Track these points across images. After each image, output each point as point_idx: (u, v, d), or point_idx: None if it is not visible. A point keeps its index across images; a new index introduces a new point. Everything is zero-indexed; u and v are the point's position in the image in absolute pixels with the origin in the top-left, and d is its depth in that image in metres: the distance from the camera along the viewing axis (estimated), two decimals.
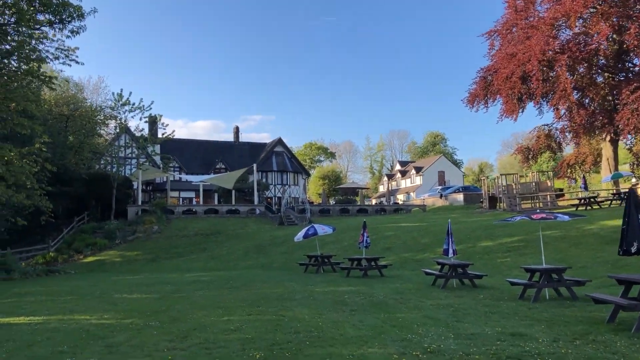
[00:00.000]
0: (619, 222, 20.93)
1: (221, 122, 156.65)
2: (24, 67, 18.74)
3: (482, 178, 43.94)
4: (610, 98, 32.91)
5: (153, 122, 40.91)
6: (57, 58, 19.52)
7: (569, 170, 41.40)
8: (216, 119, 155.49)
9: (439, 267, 15.63)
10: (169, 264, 27.39)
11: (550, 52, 30.60)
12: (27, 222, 23.14)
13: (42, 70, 20.12)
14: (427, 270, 15.73)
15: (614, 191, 30.90)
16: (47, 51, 19.24)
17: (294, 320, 9.33)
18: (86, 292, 15.51)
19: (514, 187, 36.22)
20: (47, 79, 19.38)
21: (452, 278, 14.38)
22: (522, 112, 36.66)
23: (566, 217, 10.87)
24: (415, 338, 7.38)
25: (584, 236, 20.12)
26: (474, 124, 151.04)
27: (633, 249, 7.51)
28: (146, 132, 38.92)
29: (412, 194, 69.75)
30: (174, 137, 42.79)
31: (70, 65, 19.90)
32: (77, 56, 19.91)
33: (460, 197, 47.68)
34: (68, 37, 18.53)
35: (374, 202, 65.10)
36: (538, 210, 13.32)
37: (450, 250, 15.13)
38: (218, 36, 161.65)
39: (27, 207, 21.67)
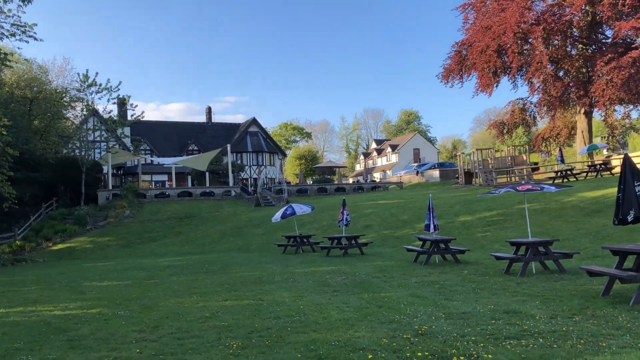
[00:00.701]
0: (597, 193, 21.14)
1: (195, 105, 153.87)
2: None
3: (457, 154, 43.86)
4: (584, 70, 32.87)
5: (122, 103, 39.45)
6: (13, 35, 18.28)
7: (543, 144, 41.57)
8: (190, 101, 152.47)
9: (421, 243, 15.29)
10: (142, 248, 26.56)
11: (526, 24, 30.28)
12: None
13: None
14: (409, 247, 15.37)
15: (589, 163, 31.03)
16: (1, 27, 18.00)
17: (273, 305, 8.80)
18: (53, 281, 14.72)
19: (489, 162, 36.18)
20: (1, 56, 18.13)
21: (434, 254, 14.05)
22: (497, 87, 36.49)
23: (552, 188, 10.53)
24: (404, 319, 6.91)
25: (564, 208, 20.02)
26: (447, 102, 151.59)
27: (630, 218, 7.13)
28: (115, 114, 37.47)
29: (388, 171, 69.60)
30: (145, 119, 41.43)
31: (27, 42, 18.71)
32: (35, 32, 18.70)
33: (436, 173, 47.65)
34: (19, 6, 17.22)
35: (351, 180, 64.72)
36: (523, 182, 12.98)
37: (432, 226, 14.76)
38: (190, 15, 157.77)
39: None
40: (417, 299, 8.57)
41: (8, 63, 19.46)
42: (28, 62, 39.52)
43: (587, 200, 20.43)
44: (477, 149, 38.29)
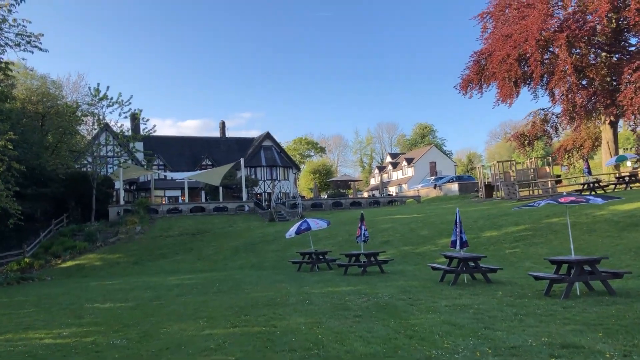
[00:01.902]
0: (631, 206, 19.75)
1: (211, 121, 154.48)
2: None
3: (477, 167, 42.64)
4: (608, 79, 31.61)
5: (134, 118, 39.01)
6: (17, 45, 17.70)
7: (566, 156, 40.17)
8: (206, 117, 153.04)
9: (447, 260, 14.16)
10: (152, 266, 25.66)
11: (548, 31, 29.19)
12: None
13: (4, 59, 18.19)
14: (435, 265, 14.20)
15: (617, 175, 29.64)
16: (7, 37, 17.43)
17: (287, 333, 7.76)
18: (53, 303, 13.81)
19: (511, 174, 34.91)
20: (1, 65, 17.53)
21: (463, 273, 12.90)
22: (517, 97, 35.33)
23: (599, 200, 9.39)
24: (444, 356, 5.83)
25: (596, 222, 18.74)
26: (461, 115, 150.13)
27: None
28: (126, 128, 36.98)
29: (404, 185, 68.37)
30: (159, 134, 40.95)
31: (32, 52, 18.12)
32: (40, 43, 18.12)
33: (454, 186, 46.33)
34: (12, 5, 16.59)
35: (366, 195, 63.56)
36: (565, 194, 11.84)
37: (458, 242, 13.62)
38: (206, 35, 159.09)
39: None
40: (452, 328, 7.47)
41: (10, 73, 18.90)
42: (43, 78, 39.37)
43: (621, 213, 19.12)
44: (497, 161, 37.00)
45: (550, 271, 12.70)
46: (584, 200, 9.45)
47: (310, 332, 7.84)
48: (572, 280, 9.57)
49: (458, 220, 13.55)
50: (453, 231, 13.75)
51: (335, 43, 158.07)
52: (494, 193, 36.08)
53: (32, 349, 7.71)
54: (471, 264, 12.90)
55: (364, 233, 16.84)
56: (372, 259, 16.37)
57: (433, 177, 59.62)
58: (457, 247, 13.54)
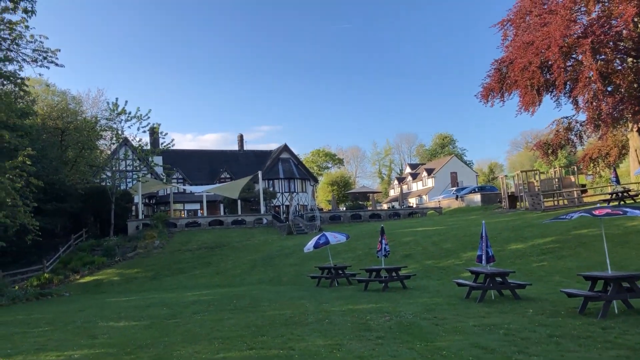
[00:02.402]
0: None
1: (230, 134, 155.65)
2: None
3: (499, 177, 41.77)
4: (636, 85, 30.65)
5: (153, 132, 39.15)
6: (35, 61, 17.74)
7: (591, 164, 39.05)
8: (225, 131, 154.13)
9: (473, 276, 13.56)
10: (170, 281, 25.40)
11: (571, 37, 28.43)
12: (10, 243, 21.28)
13: (22, 75, 18.24)
14: (460, 281, 13.60)
15: None
16: (24, 54, 17.50)
17: (306, 357, 7.32)
18: (68, 321, 13.52)
19: (535, 184, 34.03)
20: (17, 81, 17.56)
21: (490, 289, 12.30)
22: (539, 105, 34.50)
23: (637, 212, 8.75)
24: None
25: (628, 234, 17.97)
26: (481, 125, 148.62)
27: None
28: (145, 142, 37.09)
29: (424, 196, 67.47)
30: (177, 148, 41.00)
31: (48, 67, 18.15)
32: (57, 58, 18.14)
33: (477, 197, 45.41)
34: (23, 17, 16.60)
35: (385, 206, 62.84)
36: (598, 205, 11.22)
37: (484, 257, 13.01)
38: (223, 50, 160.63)
39: (10, 226, 19.77)
40: (483, 352, 6.94)
41: (26, 89, 18.95)
42: (63, 93, 39.79)
43: None
44: (521, 171, 36.13)
45: (582, 286, 12.06)
46: (621, 213, 8.85)
47: (329, 355, 7.39)
48: (609, 298, 8.95)
49: (484, 234, 12.96)
50: (479, 245, 13.16)
51: (353, 55, 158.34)
52: (518, 203, 35.23)
53: None
54: (498, 279, 12.31)
55: (385, 247, 16.33)
56: (394, 274, 15.83)
57: (454, 188, 58.70)
58: (483, 262, 12.94)
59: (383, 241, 16.29)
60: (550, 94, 34.50)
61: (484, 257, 12.98)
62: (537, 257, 18.06)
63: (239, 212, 44.03)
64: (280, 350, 7.98)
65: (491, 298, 12.39)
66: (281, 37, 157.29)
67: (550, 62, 29.70)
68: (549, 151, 37.84)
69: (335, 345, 8.04)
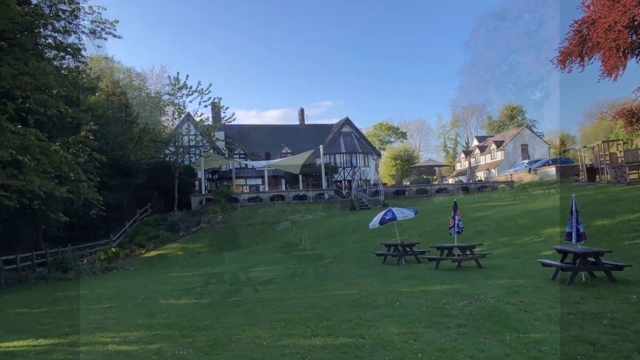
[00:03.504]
0: None
1: (292, 110, 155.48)
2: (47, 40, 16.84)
3: (577, 148, 38.92)
4: None
5: (214, 107, 39.11)
6: (93, 32, 17.55)
7: None
8: (287, 107, 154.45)
9: (557, 255, 12.13)
10: (233, 256, 25.18)
11: None
12: (78, 217, 21.53)
13: (77, 46, 18.12)
14: (545, 261, 12.17)
15: None
16: (83, 25, 17.36)
17: (378, 347, 6.41)
18: (129, 297, 13.29)
19: (618, 155, 31.28)
20: (73, 51, 17.44)
21: (581, 270, 10.86)
22: (623, 70, 31.44)
23: None
24: None
25: None
26: (548, 95, 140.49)
27: None
28: (207, 117, 37.11)
29: (493, 170, 64.50)
30: (238, 123, 40.86)
31: (106, 39, 17.96)
32: (115, 29, 17.89)
33: (551, 170, 42.61)
34: None
35: (451, 181, 60.59)
36: None
37: (575, 234, 11.52)
38: (287, 28, 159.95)
39: (76, 200, 20.04)
40: (592, 350, 5.76)
41: (81, 60, 18.91)
42: (128, 70, 40.34)
43: None
44: (603, 141, 33.34)
45: None
46: None
47: (406, 346, 6.45)
48: None
49: (574, 209, 11.48)
50: (568, 222, 11.67)
51: (415, 23, 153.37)
52: (597, 176, 32.65)
53: (93, 358, 6.86)
54: (591, 259, 10.85)
55: (458, 223, 15.05)
56: (468, 252, 14.56)
57: (527, 161, 55.55)
58: (574, 239, 11.46)
59: (456, 217, 15.02)
60: (637, 57, 31.35)
61: (574, 235, 11.48)
62: (629, 234, 16.16)
63: (300, 187, 43.56)
64: (349, 338, 7.11)
65: (582, 280, 10.96)
66: (343, 14, 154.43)
67: (638, 21, 26.76)
68: (633, 119, 34.65)
69: (410, 334, 7.09)
